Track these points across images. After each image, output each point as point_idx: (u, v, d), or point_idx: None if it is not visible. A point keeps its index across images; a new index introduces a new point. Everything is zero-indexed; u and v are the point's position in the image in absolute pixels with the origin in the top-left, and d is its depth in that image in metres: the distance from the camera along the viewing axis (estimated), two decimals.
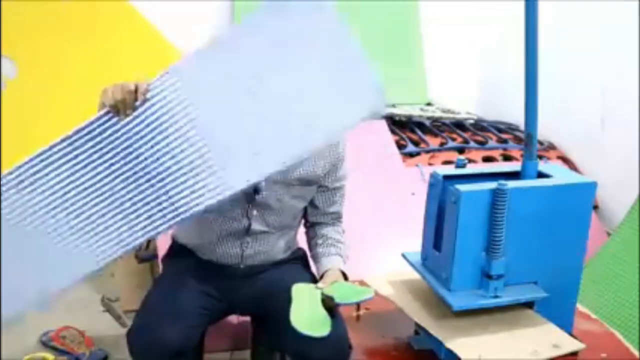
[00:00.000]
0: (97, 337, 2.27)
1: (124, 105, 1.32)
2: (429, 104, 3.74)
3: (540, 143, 3.20)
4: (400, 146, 3.07)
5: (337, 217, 1.73)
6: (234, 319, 1.84)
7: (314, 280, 1.68)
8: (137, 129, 1.34)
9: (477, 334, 1.48)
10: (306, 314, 1.40)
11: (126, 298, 2.50)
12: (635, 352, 1.67)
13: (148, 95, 1.34)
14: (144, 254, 2.80)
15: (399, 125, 3.37)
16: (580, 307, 1.76)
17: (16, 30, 3.14)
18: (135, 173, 1.35)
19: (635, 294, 2.14)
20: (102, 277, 2.73)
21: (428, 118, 3.48)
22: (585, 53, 3.09)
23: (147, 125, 1.34)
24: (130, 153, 1.34)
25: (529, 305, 1.57)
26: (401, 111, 3.45)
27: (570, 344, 1.46)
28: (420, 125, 3.41)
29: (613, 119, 2.96)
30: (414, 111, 3.50)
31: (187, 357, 1.50)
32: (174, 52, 3.14)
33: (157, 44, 3.16)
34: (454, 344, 1.43)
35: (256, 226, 1.60)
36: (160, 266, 1.82)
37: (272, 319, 1.60)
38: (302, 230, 1.77)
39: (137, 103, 1.33)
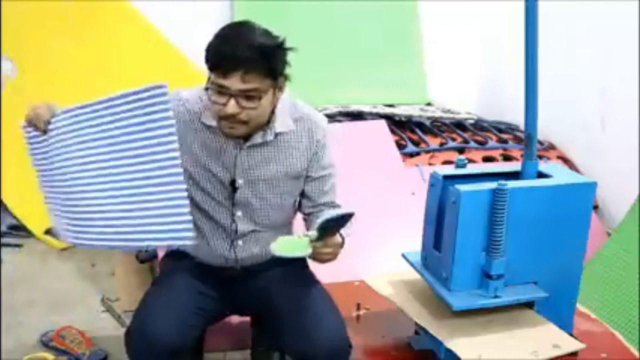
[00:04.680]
0: (97, 337, 2.27)
1: (35, 126, 1.54)
2: (429, 104, 3.74)
3: (540, 143, 3.20)
4: (400, 146, 3.07)
5: (332, 207, 1.67)
6: (233, 319, 1.84)
7: (312, 278, 1.68)
8: (45, 146, 1.56)
9: (477, 334, 1.48)
10: (285, 242, 1.41)
11: (126, 298, 2.50)
12: (635, 352, 1.67)
13: (50, 126, 1.52)
14: (144, 254, 2.80)
15: (399, 125, 3.37)
16: (580, 307, 1.76)
17: (16, 30, 3.15)
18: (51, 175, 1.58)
19: (636, 294, 2.14)
20: (102, 277, 2.73)
21: (428, 118, 3.48)
22: (585, 53, 3.09)
23: (47, 150, 1.56)
24: (47, 160, 1.57)
25: (529, 305, 1.57)
26: (401, 111, 3.45)
27: (570, 344, 1.46)
28: (420, 125, 3.41)
29: (613, 119, 2.96)
30: (414, 111, 3.50)
31: (185, 357, 1.51)
32: (174, 52, 3.15)
33: (157, 44, 3.17)
34: (454, 344, 1.43)
35: (243, 227, 1.60)
36: (159, 267, 1.82)
37: (272, 319, 1.60)
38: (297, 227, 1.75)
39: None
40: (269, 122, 1.52)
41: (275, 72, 1.44)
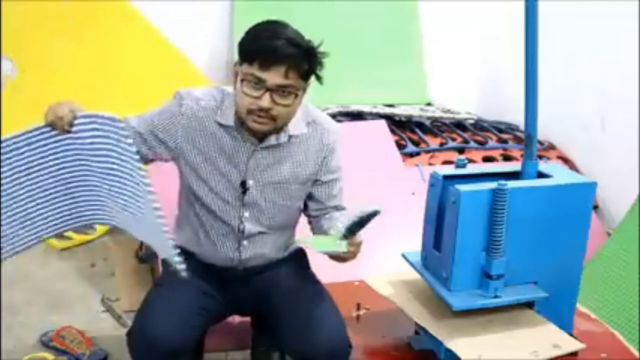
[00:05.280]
0: (97, 337, 2.27)
1: (54, 127, 1.49)
2: (429, 104, 3.74)
3: (540, 143, 3.20)
4: (400, 146, 3.07)
5: (338, 210, 1.69)
6: (234, 319, 1.84)
7: (313, 278, 1.68)
8: (61, 147, 1.54)
9: (477, 334, 1.48)
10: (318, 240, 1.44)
11: (126, 298, 2.50)
12: (635, 352, 1.67)
13: (73, 128, 1.49)
14: (145, 254, 2.80)
15: (399, 125, 3.36)
16: (580, 307, 1.76)
17: (16, 30, 3.15)
18: (59, 179, 1.59)
19: (636, 294, 2.14)
20: (102, 277, 2.73)
21: (428, 118, 3.47)
22: (585, 53, 3.09)
23: (64, 149, 1.54)
24: (58, 163, 1.56)
25: (529, 305, 1.57)
26: (401, 111, 3.45)
27: (570, 344, 1.46)
28: (420, 125, 3.41)
29: (613, 119, 2.96)
30: (414, 111, 3.49)
31: (187, 358, 1.51)
32: (174, 52, 3.15)
33: (156, 44, 3.16)
34: (454, 344, 1.43)
35: (250, 228, 1.60)
36: (161, 267, 1.82)
37: (272, 319, 1.61)
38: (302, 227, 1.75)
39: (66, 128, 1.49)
40: (284, 124, 1.53)
41: (310, 74, 1.47)
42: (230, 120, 1.52)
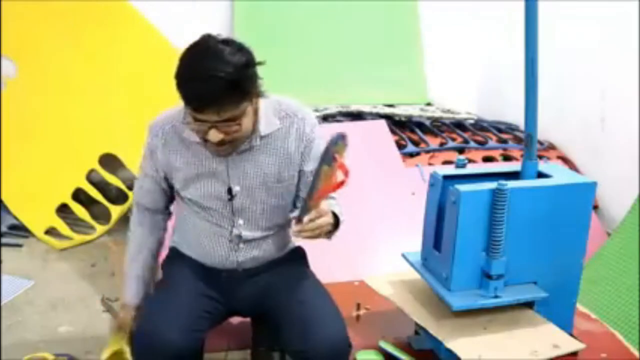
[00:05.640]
0: (97, 337, 2.27)
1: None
2: (429, 104, 3.74)
3: (540, 143, 3.20)
4: (400, 146, 3.07)
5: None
6: (234, 319, 1.84)
7: (313, 278, 1.68)
8: None
9: (477, 334, 1.48)
10: None
11: None
12: (635, 352, 1.67)
13: None
14: None
15: (399, 125, 3.37)
16: (580, 307, 1.76)
17: (16, 30, 3.15)
18: None
19: (635, 294, 2.14)
20: (102, 277, 2.73)
21: (428, 118, 3.48)
22: (585, 53, 3.09)
23: None
24: None
25: (529, 305, 1.57)
26: (401, 111, 3.45)
27: (570, 344, 1.46)
28: (420, 125, 3.42)
29: (613, 119, 2.96)
30: (414, 111, 3.50)
31: (187, 359, 1.50)
32: (174, 52, 3.14)
33: (157, 44, 3.16)
34: (454, 344, 1.43)
35: (247, 234, 1.60)
36: (160, 270, 1.81)
37: (272, 319, 1.60)
38: None
39: None
40: (253, 128, 1.51)
41: (248, 95, 1.41)
42: (197, 137, 1.50)
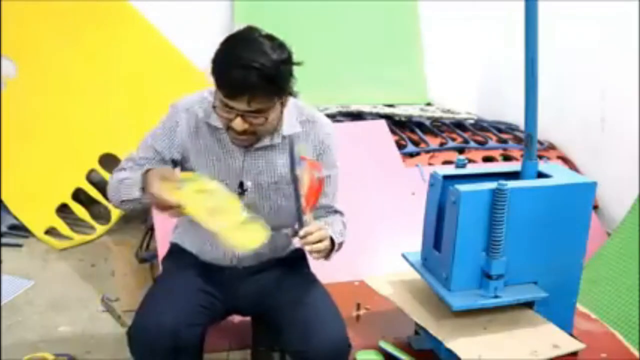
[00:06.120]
0: (97, 337, 2.27)
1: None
2: (429, 104, 3.74)
3: (540, 143, 3.20)
4: (400, 146, 3.07)
5: (330, 212, 1.68)
6: (234, 318, 1.85)
7: (313, 278, 1.68)
8: None
9: (477, 334, 1.48)
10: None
11: (126, 298, 2.50)
12: (635, 352, 1.67)
13: None
14: (145, 254, 2.81)
15: (399, 125, 3.37)
16: (580, 307, 1.76)
17: (16, 30, 3.15)
18: None
19: (635, 294, 2.14)
20: (102, 277, 2.73)
21: (428, 118, 3.48)
22: (585, 53, 3.09)
23: None
24: None
25: (529, 305, 1.57)
26: (401, 111, 3.45)
27: (570, 344, 1.46)
28: (420, 125, 3.42)
29: (613, 119, 2.96)
30: (414, 111, 3.50)
31: (187, 354, 1.50)
32: (174, 52, 3.15)
33: (157, 44, 3.16)
34: (454, 344, 1.43)
35: None
36: (160, 267, 1.82)
37: (272, 319, 1.60)
38: None
39: None
40: (277, 125, 1.53)
41: (282, 91, 1.45)
42: (219, 122, 1.52)
